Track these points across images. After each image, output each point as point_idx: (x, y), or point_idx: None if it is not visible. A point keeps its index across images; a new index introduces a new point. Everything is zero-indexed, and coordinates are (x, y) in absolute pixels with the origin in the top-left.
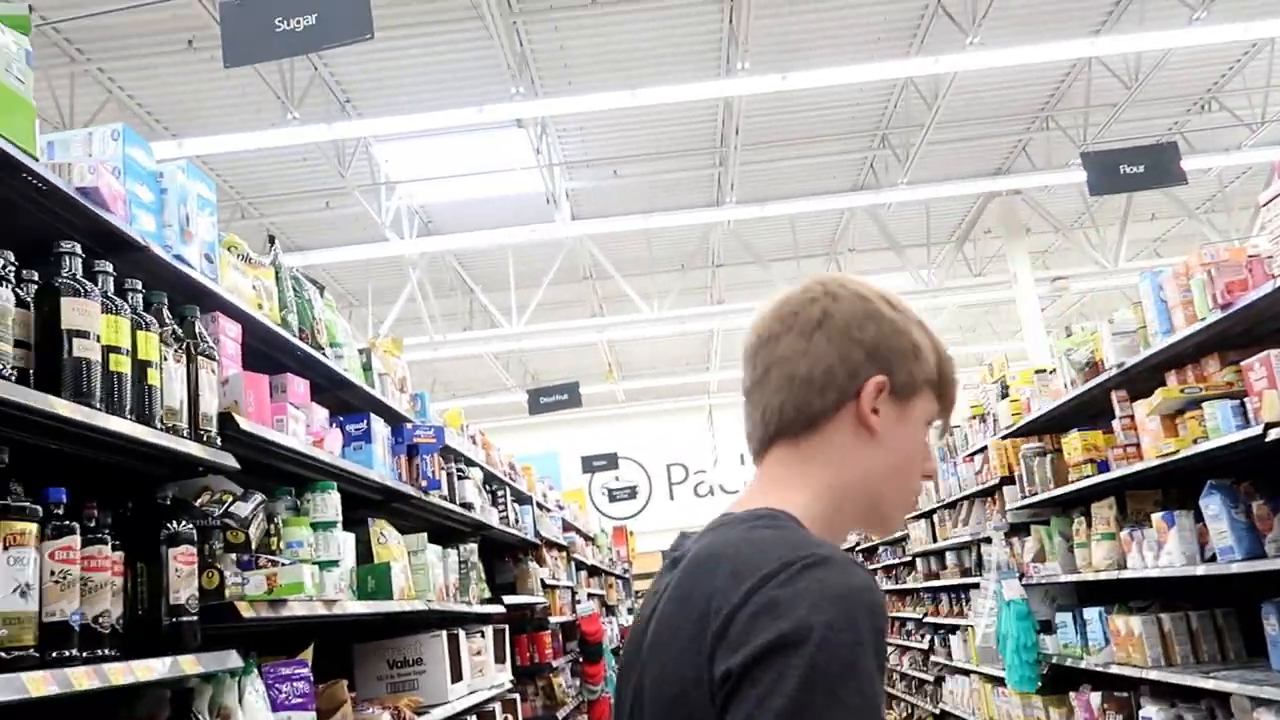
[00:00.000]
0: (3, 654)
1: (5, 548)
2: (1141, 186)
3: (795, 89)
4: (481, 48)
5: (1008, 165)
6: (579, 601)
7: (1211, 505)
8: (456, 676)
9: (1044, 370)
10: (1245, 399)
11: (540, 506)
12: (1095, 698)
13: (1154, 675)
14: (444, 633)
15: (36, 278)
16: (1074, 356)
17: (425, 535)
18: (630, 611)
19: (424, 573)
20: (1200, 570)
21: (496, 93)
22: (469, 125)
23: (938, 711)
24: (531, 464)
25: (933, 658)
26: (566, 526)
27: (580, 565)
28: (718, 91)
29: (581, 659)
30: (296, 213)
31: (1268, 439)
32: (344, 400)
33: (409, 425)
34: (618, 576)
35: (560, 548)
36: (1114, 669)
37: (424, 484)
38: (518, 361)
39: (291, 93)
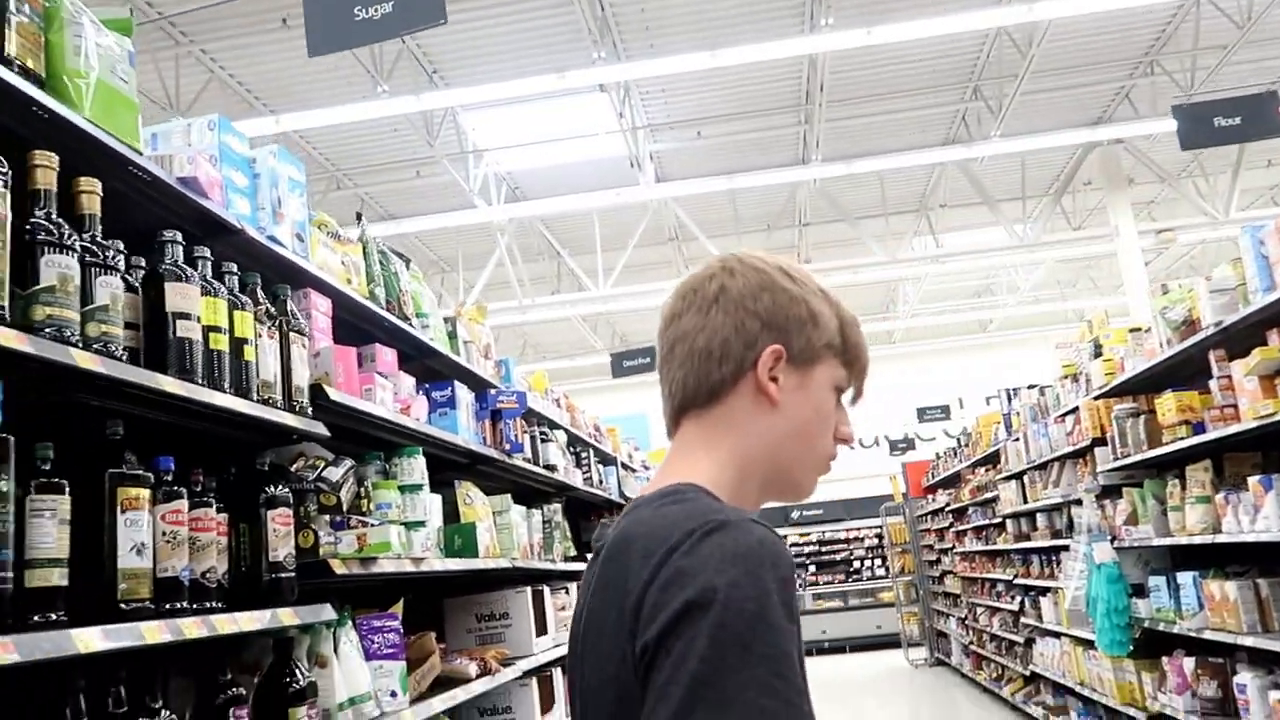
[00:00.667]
0: (123, 605)
1: (123, 511)
2: (1237, 139)
3: (881, 43)
4: (563, 14)
5: (1109, 114)
6: None
7: None
8: (541, 630)
9: (1139, 329)
10: None
11: (625, 467)
12: (1189, 663)
13: (1249, 641)
14: (529, 589)
15: (144, 264)
16: (1170, 315)
17: (509, 496)
18: None
19: (508, 532)
20: None
21: (579, 58)
22: (553, 91)
23: (1028, 673)
24: (619, 425)
25: (1023, 619)
26: None
27: None
28: (801, 49)
29: None
30: (388, 182)
31: None
32: (431, 368)
33: (492, 391)
34: None
35: None
36: (1208, 634)
37: (507, 447)
38: (605, 323)
39: (381, 66)
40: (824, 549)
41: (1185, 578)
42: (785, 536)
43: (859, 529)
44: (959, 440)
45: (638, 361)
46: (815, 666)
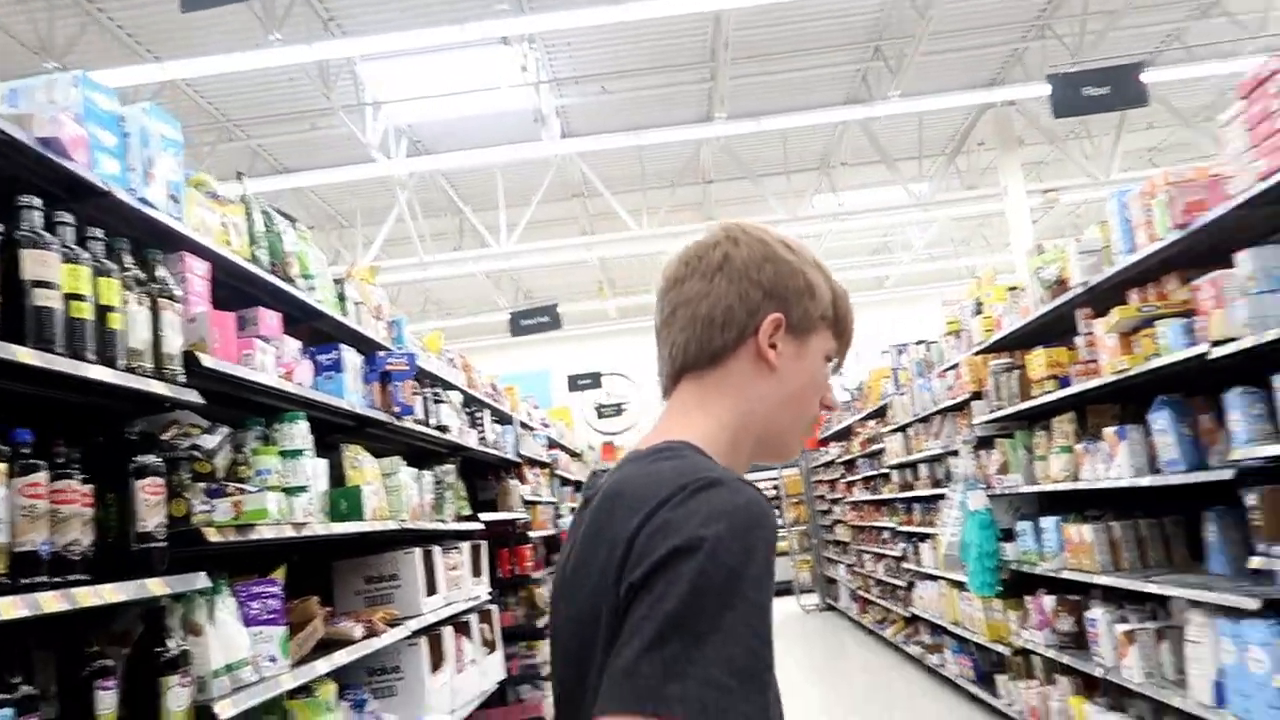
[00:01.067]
0: None
1: None
2: (1105, 109)
3: (785, 0)
4: None
5: (1002, 76)
6: (561, 516)
7: (1159, 420)
8: (431, 590)
9: (1016, 288)
10: (1194, 318)
11: (524, 426)
12: (1049, 601)
13: (1101, 580)
14: (418, 549)
15: (2, 229)
16: (1043, 274)
17: (399, 458)
18: None
19: (398, 494)
20: (1145, 481)
21: (481, 9)
22: (454, 43)
23: (908, 615)
24: (524, 382)
25: (905, 565)
26: (552, 444)
27: (565, 481)
28: (706, 4)
29: None
30: (283, 134)
31: (1210, 357)
32: (320, 330)
33: (382, 353)
34: None
35: (544, 465)
36: (1066, 574)
37: (397, 410)
38: (510, 280)
39: (273, 12)
40: None
41: (1048, 522)
42: None
43: (757, 481)
44: (852, 394)
45: (536, 320)
46: None
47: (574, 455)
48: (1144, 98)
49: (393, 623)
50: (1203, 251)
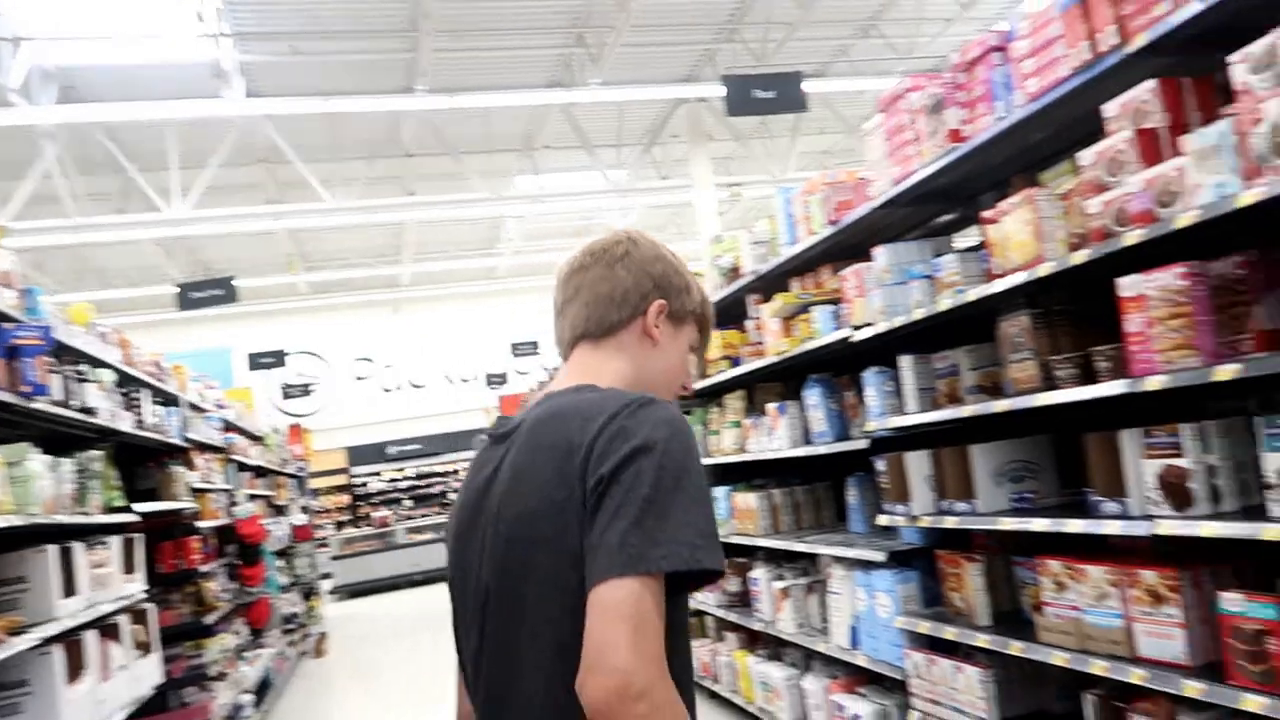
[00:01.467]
0: None
1: None
2: (771, 111)
3: None
4: None
5: (695, 73)
6: (237, 504)
7: (811, 396)
8: (69, 591)
9: (698, 274)
10: (841, 305)
11: (194, 408)
12: None
13: (763, 542)
14: (52, 547)
15: None
16: (720, 262)
17: (31, 444)
18: (304, 510)
19: (26, 484)
20: (801, 452)
21: None
22: None
23: None
24: (202, 360)
25: None
26: (229, 427)
27: (243, 467)
28: None
29: (240, 561)
30: None
31: (852, 340)
32: None
33: (9, 326)
34: (290, 476)
35: (216, 450)
36: (735, 539)
37: (27, 390)
38: (185, 250)
39: None
40: (421, 482)
41: (721, 491)
42: (379, 473)
43: (455, 462)
44: (551, 374)
45: (209, 294)
46: (410, 599)
47: (255, 439)
48: (803, 104)
49: (17, 631)
50: (852, 245)
